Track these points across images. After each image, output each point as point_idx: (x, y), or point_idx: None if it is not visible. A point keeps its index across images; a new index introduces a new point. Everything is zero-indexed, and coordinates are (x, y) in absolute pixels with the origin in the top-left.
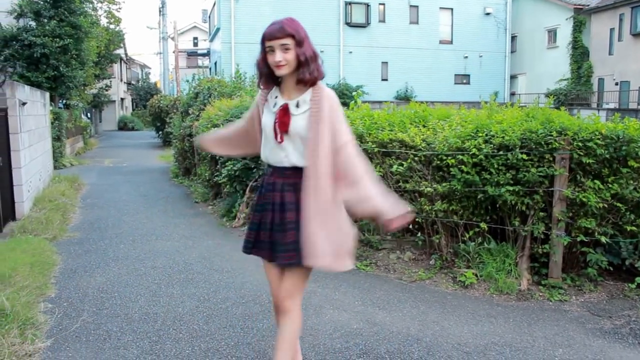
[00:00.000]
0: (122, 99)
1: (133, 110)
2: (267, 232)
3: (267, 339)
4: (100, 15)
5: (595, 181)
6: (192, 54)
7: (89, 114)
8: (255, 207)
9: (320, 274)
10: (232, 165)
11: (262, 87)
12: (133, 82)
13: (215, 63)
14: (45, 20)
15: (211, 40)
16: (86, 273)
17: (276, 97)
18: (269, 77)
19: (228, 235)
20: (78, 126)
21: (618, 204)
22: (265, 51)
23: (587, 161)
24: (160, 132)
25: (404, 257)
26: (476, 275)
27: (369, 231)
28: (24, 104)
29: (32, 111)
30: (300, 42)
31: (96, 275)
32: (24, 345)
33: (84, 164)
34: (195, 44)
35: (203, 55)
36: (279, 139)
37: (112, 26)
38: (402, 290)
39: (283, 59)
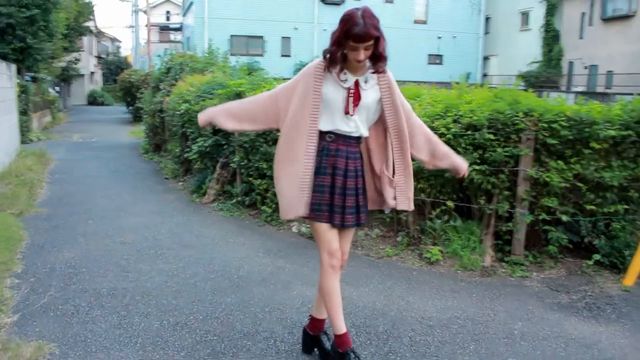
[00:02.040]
0: (91, 73)
1: (103, 84)
2: (324, 195)
3: (235, 313)
4: None
5: (559, 161)
6: (164, 29)
7: (57, 88)
8: (318, 170)
9: (290, 249)
10: (202, 142)
11: (329, 69)
12: (103, 55)
13: (188, 38)
14: None
15: (184, 15)
16: (54, 248)
17: (345, 73)
18: (340, 61)
19: (198, 211)
20: (46, 100)
21: (579, 184)
22: (347, 46)
23: (552, 142)
24: (130, 108)
25: (372, 234)
26: (442, 252)
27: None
28: None
29: None
30: (379, 40)
31: (64, 250)
32: None
33: (52, 139)
34: (168, 18)
35: (175, 29)
36: (351, 112)
37: None
38: (369, 267)
39: (365, 56)
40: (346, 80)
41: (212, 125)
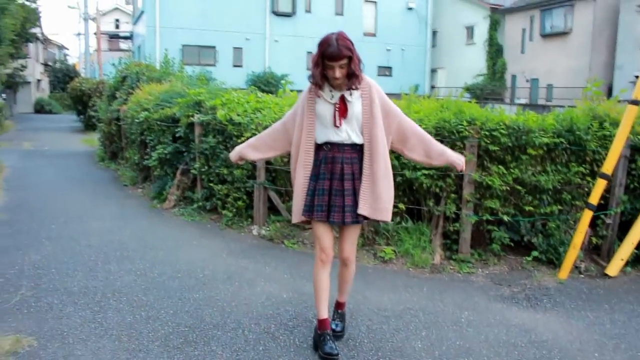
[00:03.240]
0: (38, 81)
1: (51, 92)
2: (324, 197)
3: (204, 307)
4: None
5: (500, 166)
6: (113, 37)
7: (3, 95)
8: (311, 177)
9: (252, 250)
10: (162, 149)
11: (314, 89)
12: (50, 63)
13: (139, 47)
14: None
15: (134, 24)
16: (19, 251)
17: (331, 91)
18: (322, 81)
19: (160, 216)
20: None
21: (518, 187)
22: (323, 66)
23: (493, 148)
24: (82, 116)
25: None
26: (395, 252)
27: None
28: None
29: None
30: (352, 59)
31: (30, 253)
32: None
33: (2, 147)
34: (117, 27)
35: (125, 38)
36: (338, 124)
37: (28, 3)
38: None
39: (340, 74)
40: (332, 96)
41: (243, 160)
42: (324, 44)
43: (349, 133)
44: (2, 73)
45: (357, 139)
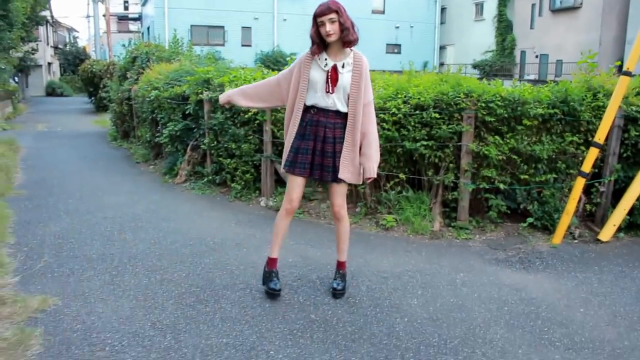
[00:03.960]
0: (49, 64)
1: (61, 75)
2: (307, 156)
3: (214, 270)
4: None
5: (496, 137)
6: (122, 18)
7: (16, 79)
8: (296, 135)
9: (259, 220)
10: (173, 126)
11: (314, 52)
12: (60, 46)
13: (148, 28)
14: None
15: (143, 5)
16: (40, 224)
17: (326, 59)
18: (320, 44)
19: (171, 190)
20: (7, 90)
21: (514, 157)
22: (317, 25)
23: (489, 119)
24: (93, 98)
25: None
26: (396, 220)
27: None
28: None
29: None
30: (341, 15)
31: (50, 225)
32: None
33: (16, 129)
34: (126, 8)
35: (134, 19)
36: (330, 90)
37: None
38: (331, 233)
39: (331, 29)
40: (326, 64)
41: (230, 104)
42: (316, 9)
43: (335, 100)
44: (13, 57)
45: (342, 107)
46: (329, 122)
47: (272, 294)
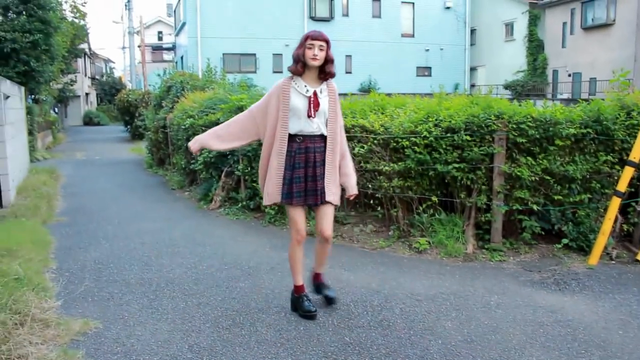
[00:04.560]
0: (86, 94)
1: (98, 105)
2: (300, 184)
3: (250, 294)
4: (65, 10)
5: (528, 158)
6: (157, 48)
7: (55, 109)
8: (286, 166)
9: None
10: (207, 153)
11: (297, 72)
12: (97, 76)
13: (182, 57)
14: (14, 16)
15: (177, 35)
16: (80, 249)
17: (305, 85)
18: (302, 66)
19: (207, 216)
20: (48, 121)
21: (547, 177)
22: (305, 47)
23: (521, 141)
24: (129, 126)
25: (366, 229)
26: (429, 243)
27: (335, 209)
28: (7, 97)
29: (12, 105)
30: (329, 47)
31: (90, 251)
32: (41, 302)
33: (57, 158)
34: (160, 38)
35: (168, 49)
36: (312, 115)
37: (76, 20)
38: (364, 256)
39: (319, 54)
40: (307, 90)
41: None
42: (309, 32)
43: (319, 125)
44: (54, 88)
45: (325, 131)
46: (316, 147)
47: (310, 316)
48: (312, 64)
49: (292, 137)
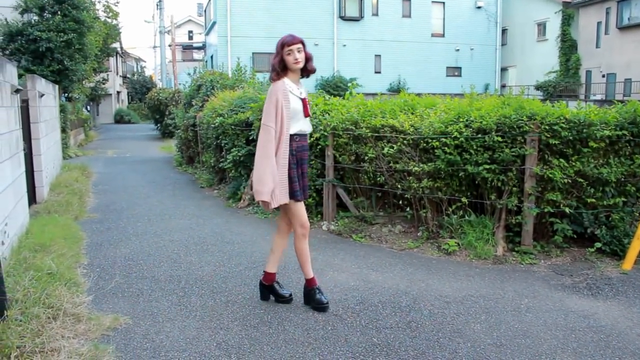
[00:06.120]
0: (118, 92)
1: (129, 103)
2: (301, 181)
3: None
4: (98, 10)
5: (561, 160)
6: (187, 48)
7: (88, 107)
8: (290, 165)
9: (321, 244)
10: (237, 152)
11: (274, 79)
12: (128, 75)
13: (212, 56)
14: (50, 15)
15: (207, 34)
16: (111, 246)
17: (298, 88)
18: (282, 72)
19: (235, 215)
20: (80, 118)
21: (580, 180)
22: (284, 53)
23: (554, 142)
24: (159, 125)
25: (395, 230)
26: (458, 244)
27: (364, 208)
28: (42, 95)
29: (47, 103)
30: (305, 46)
31: (120, 247)
32: (73, 297)
33: (88, 155)
34: (191, 38)
35: (198, 48)
36: (310, 113)
37: (109, 20)
38: (392, 257)
39: (300, 57)
40: (301, 92)
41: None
42: (281, 39)
43: (309, 124)
44: (86, 87)
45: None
46: (305, 145)
47: (322, 308)
48: (295, 67)
49: (292, 137)
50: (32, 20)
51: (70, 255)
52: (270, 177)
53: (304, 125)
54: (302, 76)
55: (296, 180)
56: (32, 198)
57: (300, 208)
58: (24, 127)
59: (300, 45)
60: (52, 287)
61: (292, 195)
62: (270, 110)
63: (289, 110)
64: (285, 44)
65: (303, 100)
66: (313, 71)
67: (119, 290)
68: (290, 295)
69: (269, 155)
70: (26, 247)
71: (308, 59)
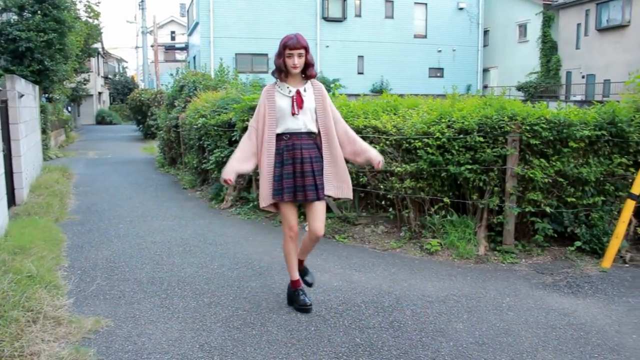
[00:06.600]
0: (99, 93)
1: (110, 104)
2: (290, 180)
3: (261, 294)
4: (79, 10)
5: (541, 160)
6: (169, 48)
7: (69, 108)
8: (275, 164)
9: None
10: (219, 153)
11: (279, 79)
12: (110, 76)
13: (194, 57)
14: (29, 15)
15: (189, 35)
16: (92, 247)
17: (288, 87)
18: (285, 74)
19: (218, 216)
20: (60, 119)
21: (560, 179)
22: (285, 55)
23: (534, 142)
24: (141, 126)
25: (378, 230)
26: (440, 244)
27: (347, 209)
28: (21, 96)
29: (26, 103)
30: (308, 52)
31: (102, 249)
32: (53, 300)
33: (69, 156)
34: (173, 38)
35: (181, 49)
36: (296, 111)
37: (90, 20)
38: (375, 257)
39: (298, 62)
40: (290, 91)
41: (238, 175)
42: (286, 38)
43: (305, 122)
44: (67, 87)
45: (313, 128)
46: (303, 143)
47: (305, 309)
48: (293, 72)
49: (280, 136)
50: (12, 20)
51: (50, 257)
52: (232, 160)
53: (291, 124)
54: (304, 78)
55: (279, 179)
56: (11, 200)
57: (285, 210)
58: (3, 128)
59: (302, 51)
60: (32, 290)
61: (274, 194)
62: (256, 111)
63: (273, 111)
64: (287, 46)
65: (292, 98)
66: (312, 77)
67: (100, 293)
68: (310, 305)
69: (239, 147)
70: (5, 249)
71: (308, 64)
